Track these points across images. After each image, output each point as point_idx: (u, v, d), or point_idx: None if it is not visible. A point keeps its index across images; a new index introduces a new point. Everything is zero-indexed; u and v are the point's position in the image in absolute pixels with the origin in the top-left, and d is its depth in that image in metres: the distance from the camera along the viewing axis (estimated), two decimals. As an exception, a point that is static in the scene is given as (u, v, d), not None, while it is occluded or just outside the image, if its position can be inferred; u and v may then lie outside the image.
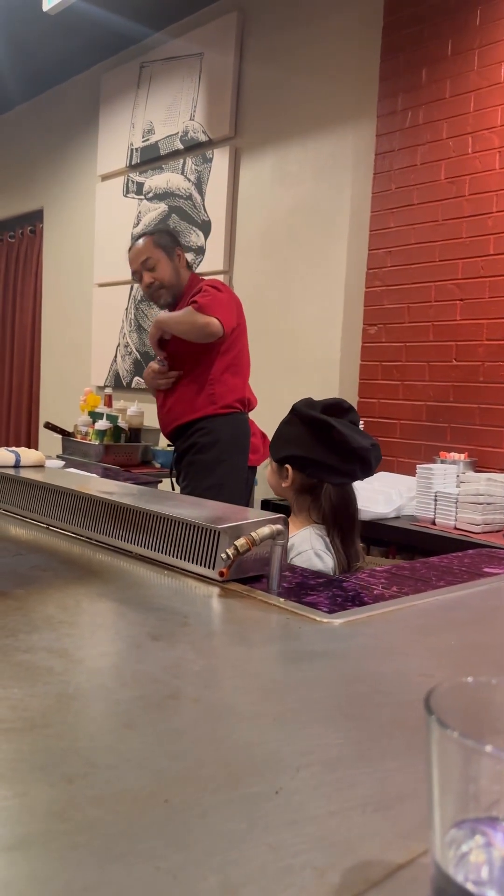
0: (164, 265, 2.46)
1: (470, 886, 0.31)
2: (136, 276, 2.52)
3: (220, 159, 3.68)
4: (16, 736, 0.54)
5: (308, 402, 1.52)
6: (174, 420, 2.50)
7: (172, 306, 2.49)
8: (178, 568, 1.07)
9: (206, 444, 2.41)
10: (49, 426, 3.64)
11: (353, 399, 3.19)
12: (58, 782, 0.48)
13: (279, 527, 1.01)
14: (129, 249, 2.54)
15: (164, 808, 0.46)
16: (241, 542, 0.99)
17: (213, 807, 0.46)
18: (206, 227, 3.78)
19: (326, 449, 1.44)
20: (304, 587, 1.01)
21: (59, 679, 0.66)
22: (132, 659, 0.72)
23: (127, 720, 0.58)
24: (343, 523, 1.49)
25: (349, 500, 1.51)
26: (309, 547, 1.43)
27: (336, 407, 1.50)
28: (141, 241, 2.50)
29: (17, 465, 1.66)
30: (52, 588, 0.95)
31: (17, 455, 1.67)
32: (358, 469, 1.46)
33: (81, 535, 1.26)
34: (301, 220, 3.46)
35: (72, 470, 2.11)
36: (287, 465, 1.52)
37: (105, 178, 4.57)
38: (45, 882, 0.39)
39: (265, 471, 1.84)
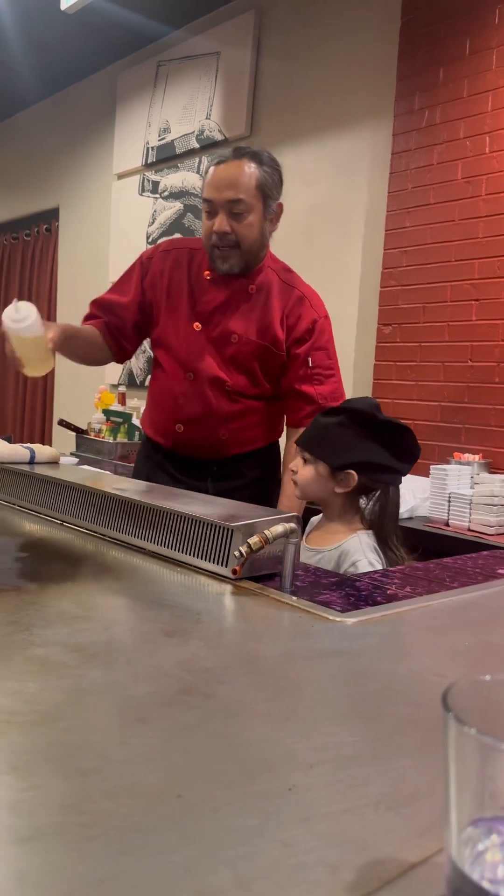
0: (257, 219, 1.68)
1: (486, 885, 0.31)
2: (209, 206, 1.68)
3: (236, 158, 3.68)
4: (30, 729, 0.54)
5: (373, 404, 1.47)
6: (243, 444, 1.85)
7: (229, 276, 1.74)
8: (191, 565, 1.07)
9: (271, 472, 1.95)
10: (63, 423, 3.65)
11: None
12: (72, 775, 0.49)
13: (292, 525, 1.00)
14: (215, 163, 1.67)
15: (177, 803, 0.46)
16: (254, 540, 0.99)
17: (225, 802, 0.46)
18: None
19: (393, 453, 1.43)
20: (317, 586, 1.01)
21: (73, 673, 0.66)
22: (145, 654, 0.72)
23: (140, 715, 0.58)
24: (395, 527, 1.48)
25: (398, 504, 1.51)
26: (363, 556, 1.40)
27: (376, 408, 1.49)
28: (245, 164, 1.64)
29: (31, 462, 1.66)
30: (66, 583, 0.95)
31: (32, 451, 1.68)
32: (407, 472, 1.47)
33: (95, 532, 1.26)
34: (316, 219, 3.45)
35: (85, 467, 2.12)
36: (350, 471, 1.44)
37: (121, 176, 4.58)
38: (59, 873, 0.39)
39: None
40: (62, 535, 1.26)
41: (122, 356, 1.90)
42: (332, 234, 3.39)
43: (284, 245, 3.55)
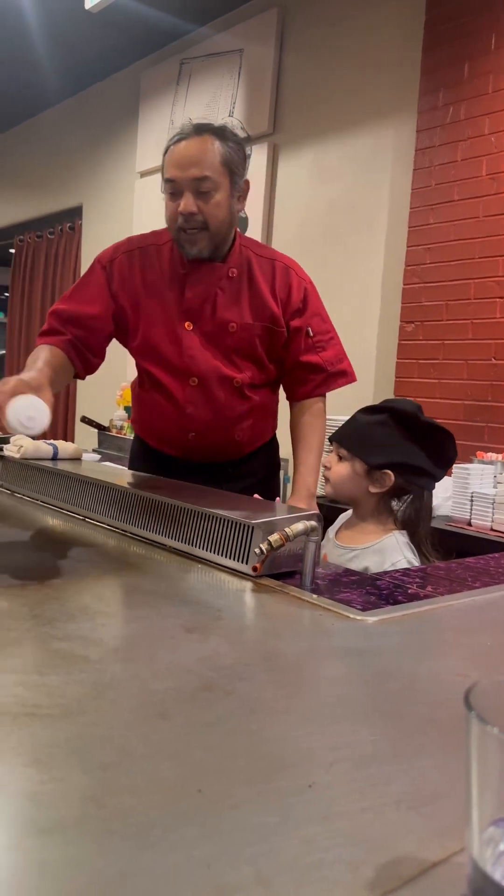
0: (224, 198, 1.55)
1: (508, 886, 0.30)
2: (172, 187, 1.55)
3: (258, 156, 3.68)
4: (52, 722, 0.55)
5: (416, 406, 1.46)
6: (255, 440, 1.80)
7: (207, 264, 1.62)
8: (211, 562, 1.08)
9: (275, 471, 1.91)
10: (85, 420, 3.68)
11: (388, 397, 3.16)
12: (93, 769, 0.49)
13: (313, 523, 1.00)
14: (175, 141, 1.55)
15: (197, 799, 0.46)
16: (274, 537, 0.99)
17: (246, 799, 0.46)
18: (242, 224, 3.79)
19: (429, 456, 1.43)
20: (338, 584, 1.01)
21: (95, 668, 0.66)
22: (166, 650, 0.72)
23: (161, 710, 0.58)
24: (429, 530, 1.48)
25: (431, 508, 1.50)
26: (402, 556, 1.39)
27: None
28: (209, 140, 1.52)
29: (54, 458, 1.68)
30: (88, 578, 0.96)
31: (55, 448, 1.69)
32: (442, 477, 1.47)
33: (117, 528, 1.27)
34: (338, 217, 3.44)
35: (107, 464, 2.13)
36: (388, 471, 1.44)
37: (144, 174, 4.60)
38: (79, 866, 0.39)
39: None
40: (84, 530, 1.27)
41: (87, 372, 1.71)
42: (354, 231, 3.38)
43: (306, 244, 3.54)
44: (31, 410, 1.11)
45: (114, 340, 1.76)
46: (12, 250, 6.02)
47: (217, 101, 3.98)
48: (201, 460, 1.74)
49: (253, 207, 3.74)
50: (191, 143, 1.53)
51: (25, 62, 4.64)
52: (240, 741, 0.54)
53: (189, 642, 0.75)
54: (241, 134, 1.60)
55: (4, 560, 1.03)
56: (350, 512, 1.57)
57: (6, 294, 6.43)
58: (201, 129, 1.54)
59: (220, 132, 1.55)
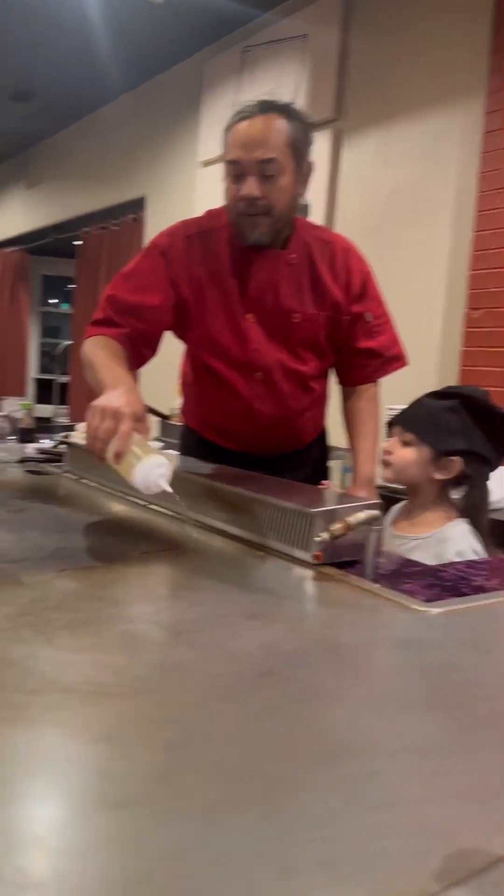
0: (290, 182, 1.46)
1: None
2: (235, 169, 1.44)
3: (322, 142, 3.63)
4: (120, 701, 0.56)
5: (485, 392, 1.44)
6: (315, 430, 1.77)
7: (267, 251, 1.53)
8: (272, 549, 1.08)
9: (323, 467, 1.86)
10: (147, 409, 3.73)
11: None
12: (158, 748, 0.50)
13: (375, 512, 0.99)
14: (238, 119, 1.45)
15: (260, 782, 0.46)
16: (336, 526, 0.98)
17: (309, 784, 0.47)
18: (304, 212, 3.75)
19: (494, 445, 1.41)
20: (400, 574, 1.00)
21: (159, 650, 0.68)
22: (228, 635, 0.73)
23: (224, 694, 0.59)
24: (489, 520, 1.45)
25: (488, 496, 1.48)
26: (467, 545, 1.37)
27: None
28: (275, 119, 1.43)
29: (118, 445, 1.71)
30: (151, 563, 0.98)
31: (119, 435, 1.72)
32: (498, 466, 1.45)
33: (178, 514, 1.28)
34: (403, 203, 3.38)
35: (170, 451, 2.16)
36: (455, 458, 1.41)
37: (206, 164, 4.61)
38: (147, 841, 0.40)
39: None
40: (147, 516, 1.29)
41: (138, 365, 1.57)
42: (419, 217, 3.31)
43: (369, 230, 3.50)
44: (160, 468, 1.02)
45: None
46: (78, 242, 6.14)
47: (281, 87, 3.95)
48: (263, 453, 1.70)
49: (315, 194, 3.70)
50: (256, 123, 1.42)
51: (89, 56, 4.70)
52: (302, 727, 0.54)
53: (250, 628, 0.75)
54: (303, 113, 1.51)
55: (72, 544, 1.05)
56: (403, 502, 1.54)
57: (72, 285, 6.56)
58: (267, 108, 1.44)
59: (287, 110, 1.46)
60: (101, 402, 1.09)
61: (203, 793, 0.45)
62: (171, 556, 1.03)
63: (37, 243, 6.76)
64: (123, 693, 0.57)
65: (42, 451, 1.99)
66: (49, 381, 6.81)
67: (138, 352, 1.54)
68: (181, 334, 1.66)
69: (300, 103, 3.33)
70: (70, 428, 1.80)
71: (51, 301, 7.81)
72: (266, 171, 1.42)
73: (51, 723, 0.52)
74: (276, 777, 0.47)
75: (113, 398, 1.09)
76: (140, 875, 0.38)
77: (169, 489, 1.02)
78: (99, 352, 1.40)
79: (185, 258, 1.55)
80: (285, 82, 3.94)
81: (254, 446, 1.69)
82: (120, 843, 0.40)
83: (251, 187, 1.43)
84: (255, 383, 1.60)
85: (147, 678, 0.61)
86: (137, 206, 5.46)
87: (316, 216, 3.70)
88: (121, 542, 1.09)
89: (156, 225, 5.16)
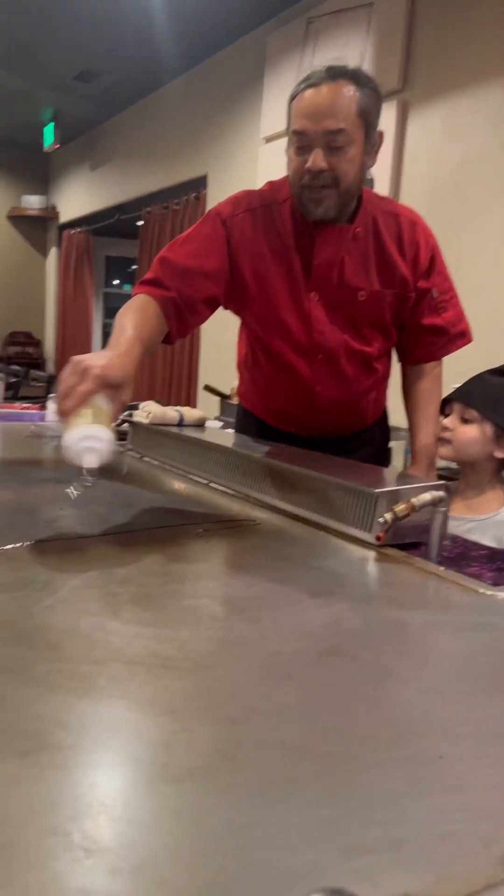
0: (358, 153, 1.39)
1: None
2: (300, 140, 1.37)
3: (387, 114, 3.53)
4: (184, 675, 0.57)
5: None
6: (378, 411, 1.73)
7: (331, 225, 1.45)
8: (333, 529, 1.07)
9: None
10: (208, 388, 3.75)
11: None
12: (221, 722, 0.50)
13: (441, 493, 0.97)
14: (305, 87, 1.37)
15: (324, 760, 0.46)
16: (400, 507, 0.97)
17: (373, 764, 0.46)
18: (368, 185, 3.68)
19: None
20: (465, 558, 0.98)
21: (222, 625, 0.68)
22: (291, 613, 0.73)
23: (286, 671, 0.59)
24: None
25: None
26: None
27: None
28: (344, 87, 1.34)
29: (180, 424, 1.72)
30: (213, 540, 0.98)
31: (181, 414, 1.74)
32: None
33: (240, 493, 1.29)
34: (470, 175, 3.27)
35: (230, 431, 2.16)
36: None
37: (269, 139, 4.56)
38: (211, 814, 0.41)
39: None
40: (208, 494, 1.30)
41: (179, 336, 1.45)
42: (487, 189, 3.20)
43: (435, 204, 3.40)
44: (92, 441, 0.91)
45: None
46: (140, 223, 6.18)
47: (345, 58, 3.86)
48: (323, 436, 1.65)
49: (380, 167, 3.62)
50: (323, 90, 1.34)
51: (151, 35, 4.68)
52: (366, 707, 0.54)
53: (313, 607, 0.75)
54: (373, 80, 1.41)
55: (136, 520, 1.07)
56: (454, 482, 1.50)
57: (134, 266, 6.62)
58: (335, 74, 1.35)
59: (356, 76, 1.36)
60: (79, 357, 1.00)
61: (266, 769, 0.45)
62: (232, 534, 1.03)
63: (100, 224, 6.85)
64: (187, 667, 0.58)
65: (106, 429, 2.02)
66: (112, 361, 6.91)
67: (182, 319, 1.43)
68: (237, 310, 1.59)
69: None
70: (133, 407, 1.82)
71: (114, 282, 7.91)
72: (334, 142, 1.34)
73: (117, 694, 0.53)
74: (340, 756, 0.47)
75: (94, 357, 1.00)
76: (203, 847, 0.38)
77: (91, 465, 0.91)
78: (129, 312, 1.31)
79: (247, 231, 1.49)
80: (349, 53, 3.84)
81: (314, 429, 1.65)
82: (183, 814, 0.40)
83: (317, 159, 1.35)
84: (317, 365, 1.54)
85: (210, 653, 0.61)
86: (199, 184, 5.45)
87: (380, 190, 3.62)
88: (183, 519, 1.10)
89: (217, 202, 5.14)
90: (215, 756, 0.46)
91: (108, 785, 0.43)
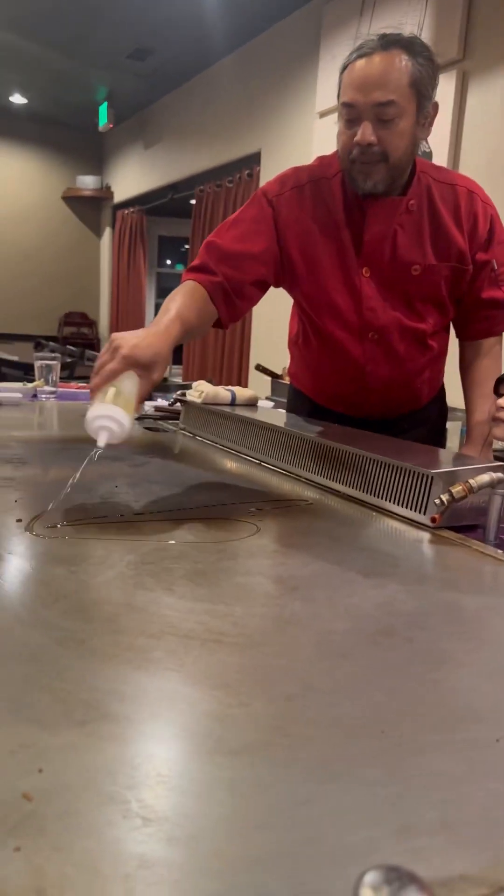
0: (409, 126, 1.34)
1: None
2: (350, 113, 1.35)
3: (446, 85, 3.44)
4: (237, 650, 0.57)
5: None
6: (433, 390, 1.68)
7: (383, 199, 1.42)
8: (386, 510, 1.06)
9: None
10: (259, 368, 3.74)
11: None
12: (277, 698, 0.50)
13: (501, 475, 0.95)
14: (356, 57, 1.33)
15: (380, 739, 0.46)
16: (457, 488, 0.95)
17: (430, 745, 0.45)
18: (426, 158, 3.59)
19: None
20: (524, 540, 0.96)
21: (276, 603, 0.68)
22: (345, 593, 0.72)
23: (341, 650, 0.59)
24: None
25: None
26: None
27: None
28: (396, 57, 1.30)
29: (232, 403, 1.73)
30: (265, 519, 0.98)
31: (233, 393, 1.74)
32: None
33: (291, 472, 1.28)
34: (533, 148, 3.16)
35: (281, 411, 2.16)
36: None
37: (323, 114, 4.49)
38: (267, 787, 0.41)
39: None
40: (260, 473, 1.30)
41: (230, 320, 1.44)
42: (552, 162, 3.09)
43: (496, 176, 3.30)
44: (107, 421, 0.93)
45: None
46: (193, 201, 6.17)
47: (402, 29, 3.76)
48: (377, 417, 1.62)
49: (438, 140, 3.53)
50: (374, 61, 1.30)
51: (204, 11, 4.64)
52: (422, 688, 0.53)
53: (367, 587, 0.74)
54: (428, 48, 1.35)
55: (189, 497, 1.08)
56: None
57: (186, 246, 6.63)
58: (388, 43, 1.31)
59: (410, 45, 1.32)
60: (116, 335, 1.03)
61: (322, 746, 0.45)
62: (284, 514, 1.03)
63: (154, 203, 6.87)
64: (241, 643, 0.58)
65: (159, 409, 2.04)
66: (164, 341, 6.96)
67: (231, 303, 1.42)
68: (289, 289, 1.57)
69: (426, 42, 3.09)
70: (186, 387, 1.83)
71: (166, 262, 7.94)
72: (383, 114, 1.30)
73: (172, 667, 0.53)
74: (396, 736, 0.46)
75: (128, 337, 1.03)
76: (260, 820, 0.38)
77: (102, 443, 0.93)
78: (176, 296, 1.30)
79: (295, 209, 1.46)
80: (407, 22, 3.74)
81: (366, 410, 1.62)
82: (239, 787, 0.41)
83: (366, 133, 1.32)
84: (368, 345, 1.51)
85: (264, 630, 0.62)
86: (253, 161, 5.41)
87: (439, 161, 3.52)
88: (235, 498, 1.10)
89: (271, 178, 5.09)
90: (271, 731, 0.46)
91: (164, 756, 0.44)
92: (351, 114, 1.34)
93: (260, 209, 1.47)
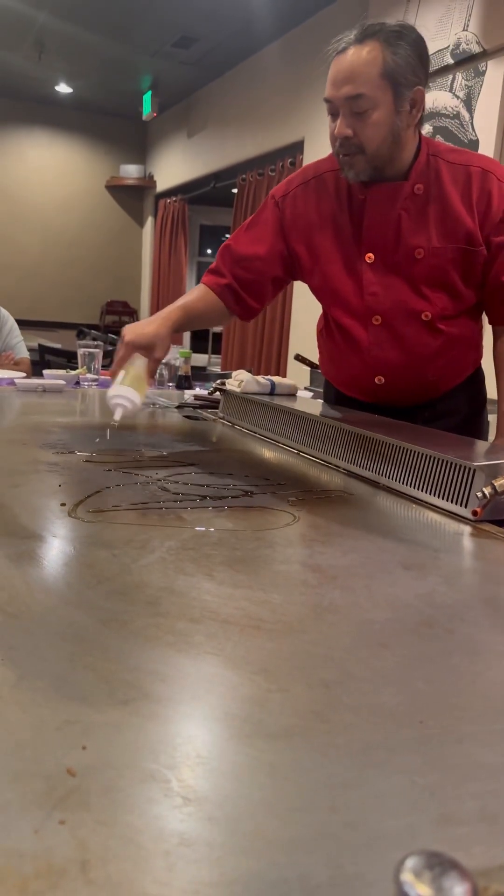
0: (384, 115, 1.36)
1: None
2: (329, 107, 1.41)
3: (495, 71, 3.37)
4: (276, 637, 0.57)
5: None
6: (454, 377, 1.61)
7: (386, 184, 1.44)
8: (427, 503, 1.05)
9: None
10: (299, 358, 3.73)
11: None
12: (316, 685, 0.51)
13: (544, 468, 0.94)
14: (338, 53, 1.39)
15: (419, 728, 0.46)
16: (500, 481, 0.94)
17: (470, 735, 0.45)
18: (473, 147, 3.52)
19: None
20: None
21: (314, 592, 0.68)
22: (384, 583, 0.72)
23: (381, 639, 0.59)
24: None
25: None
26: None
27: None
28: (367, 50, 1.35)
29: (272, 393, 1.73)
30: (303, 509, 0.98)
31: (273, 383, 1.74)
32: None
33: (329, 463, 1.28)
34: None
35: (320, 401, 2.15)
36: None
37: (367, 103, 4.44)
38: (306, 772, 0.41)
39: None
40: (297, 462, 1.30)
41: (246, 316, 1.58)
42: None
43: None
44: (121, 399, 1.15)
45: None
46: (235, 190, 6.16)
47: (451, 13, 3.69)
48: (394, 404, 1.59)
49: (485, 129, 3.46)
50: (346, 56, 1.36)
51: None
52: (462, 679, 0.53)
53: (407, 578, 0.74)
54: (413, 34, 1.39)
55: (228, 485, 1.08)
56: None
57: (227, 235, 6.64)
58: (365, 35, 1.35)
59: (383, 35, 1.35)
60: (127, 326, 1.31)
61: (361, 733, 0.45)
62: (322, 503, 1.03)
63: (196, 192, 6.87)
64: (279, 629, 0.59)
65: (198, 398, 2.06)
66: (205, 332, 6.99)
67: (241, 302, 1.54)
68: (305, 282, 1.61)
69: (471, 31, 3.01)
70: (225, 376, 1.84)
71: (207, 251, 7.95)
72: (356, 107, 1.34)
73: (212, 651, 0.54)
74: (436, 726, 0.46)
75: (134, 326, 1.30)
76: (300, 803, 0.38)
77: (118, 417, 1.15)
78: (187, 295, 1.52)
79: (300, 206, 1.52)
80: (456, 7, 3.67)
81: (381, 396, 1.59)
82: (279, 771, 0.41)
83: (340, 126, 1.38)
84: (373, 329, 1.50)
85: (302, 617, 0.62)
86: (296, 149, 5.37)
87: (485, 150, 3.46)
88: (273, 486, 1.11)
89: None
90: (310, 717, 0.47)
91: (205, 737, 0.45)
92: (330, 108, 1.40)
93: (270, 212, 1.56)
